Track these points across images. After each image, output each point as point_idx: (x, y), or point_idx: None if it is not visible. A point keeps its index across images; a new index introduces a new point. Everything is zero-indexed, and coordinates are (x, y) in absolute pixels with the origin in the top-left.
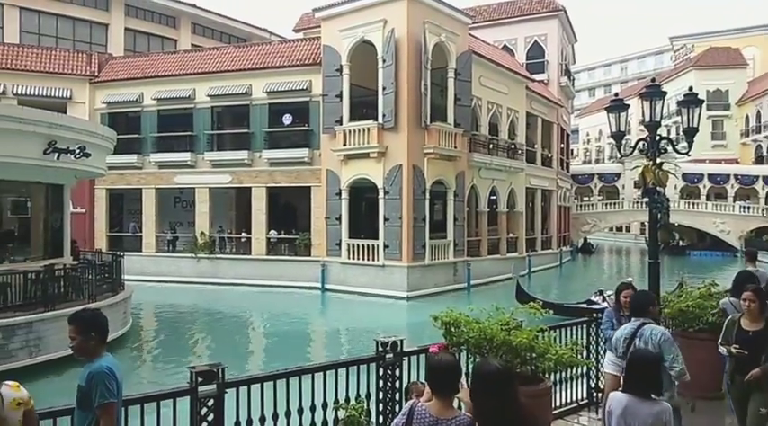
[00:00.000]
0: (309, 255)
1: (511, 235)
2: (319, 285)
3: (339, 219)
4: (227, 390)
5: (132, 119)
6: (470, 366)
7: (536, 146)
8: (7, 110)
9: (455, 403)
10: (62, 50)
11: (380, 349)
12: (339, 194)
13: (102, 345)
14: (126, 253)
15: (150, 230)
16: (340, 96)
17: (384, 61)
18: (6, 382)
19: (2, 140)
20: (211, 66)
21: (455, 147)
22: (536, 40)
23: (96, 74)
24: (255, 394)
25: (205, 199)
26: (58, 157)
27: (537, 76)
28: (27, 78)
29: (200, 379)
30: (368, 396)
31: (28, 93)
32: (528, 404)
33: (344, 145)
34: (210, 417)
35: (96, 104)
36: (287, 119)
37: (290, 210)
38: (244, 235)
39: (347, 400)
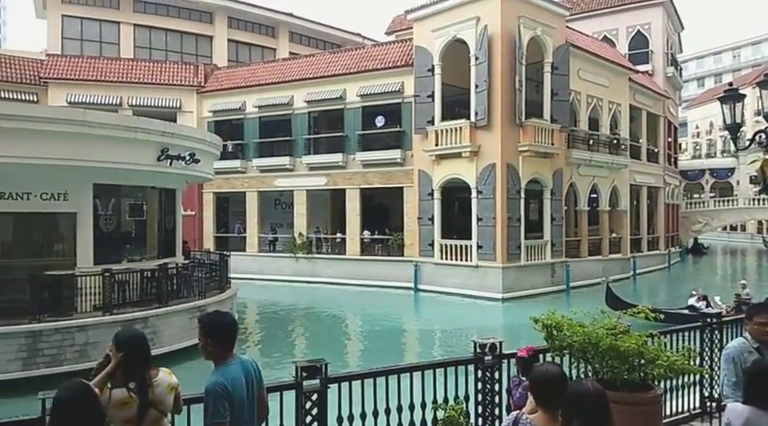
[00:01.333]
0: (402, 255)
1: (614, 234)
2: (412, 285)
3: (432, 220)
4: (329, 385)
5: (236, 126)
6: (573, 372)
7: (641, 140)
8: (125, 120)
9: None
10: (171, 63)
11: (479, 350)
12: (431, 194)
13: (223, 351)
14: (231, 253)
15: (253, 231)
16: (432, 96)
17: (477, 59)
18: (163, 369)
19: (121, 148)
20: (308, 73)
21: (552, 144)
22: (639, 30)
23: (203, 84)
24: (356, 391)
25: (303, 201)
26: (170, 163)
27: (640, 67)
28: (140, 90)
29: (304, 374)
30: (466, 398)
31: (141, 103)
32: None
33: (436, 145)
34: (315, 411)
35: (203, 113)
36: (380, 121)
37: (382, 211)
38: (339, 235)
39: (445, 400)
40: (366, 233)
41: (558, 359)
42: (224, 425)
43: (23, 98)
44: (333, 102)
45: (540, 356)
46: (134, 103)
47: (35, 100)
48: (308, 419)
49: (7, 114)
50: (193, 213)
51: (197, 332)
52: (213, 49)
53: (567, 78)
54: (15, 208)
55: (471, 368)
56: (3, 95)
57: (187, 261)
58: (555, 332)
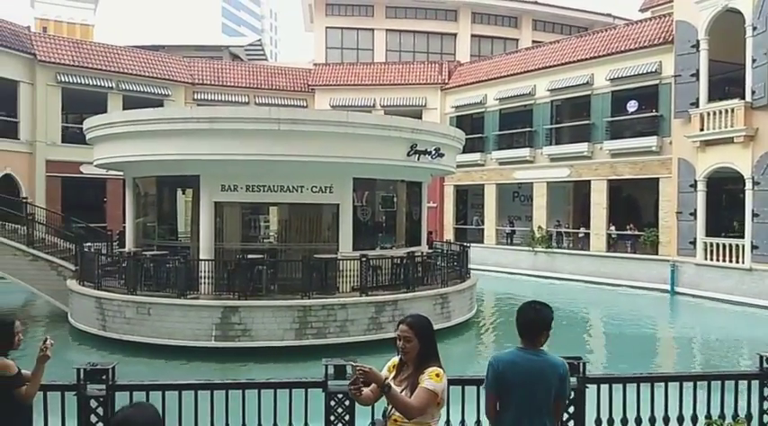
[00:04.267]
0: (656, 254)
1: None
2: (668, 287)
3: (693, 214)
4: (587, 385)
5: (476, 119)
6: None
7: None
8: (381, 119)
9: None
10: (418, 63)
11: (765, 365)
12: (694, 186)
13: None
14: (470, 244)
15: (491, 223)
16: (696, 75)
17: (754, 29)
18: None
19: (376, 145)
20: (552, 60)
21: None
22: None
23: (446, 81)
24: (617, 395)
25: (542, 194)
26: (418, 158)
27: None
28: (390, 91)
29: None
30: (748, 417)
31: (390, 104)
32: None
33: (702, 129)
34: (571, 409)
35: (446, 109)
36: (632, 106)
37: (631, 204)
38: (582, 230)
39: (722, 417)
40: (612, 228)
41: None
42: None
43: (294, 104)
44: (578, 89)
45: None
46: (385, 104)
47: (304, 105)
48: (565, 416)
49: (292, 118)
50: (435, 205)
51: (441, 318)
52: (457, 46)
53: None
54: (291, 199)
55: (755, 384)
56: (278, 102)
57: (431, 251)
58: None
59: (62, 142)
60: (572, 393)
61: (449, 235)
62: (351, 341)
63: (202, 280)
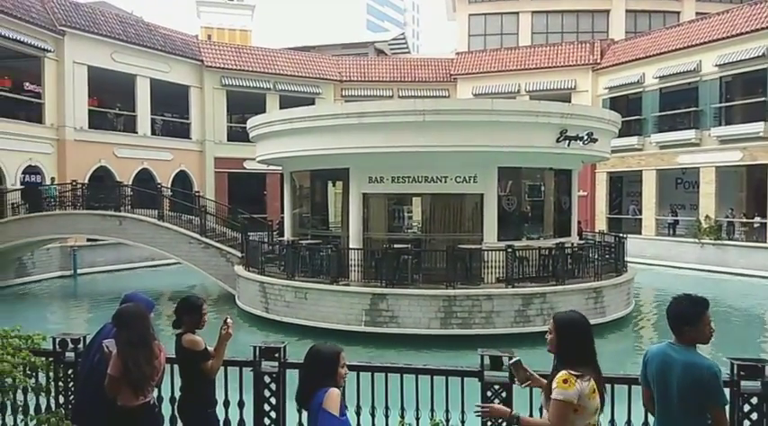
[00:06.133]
0: None
1: None
2: None
3: None
4: None
5: (632, 100)
6: None
7: None
8: (528, 105)
9: None
10: (566, 44)
11: None
12: None
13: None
14: (626, 235)
15: (650, 212)
16: None
17: None
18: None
19: (522, 132)
20: (720, 33)
21: None
22: None
23: (598, 61)
24: None
25: (710, 180)
26: (568, 144)
27: None
28: (536, 75)
29: (741, 373)
30: None
31: (537, 88)
32: None
33: None
34: (754, 415)
35: (598, 91)
36: None
37: None
38: (757, 219)
39: None
40: None
41: None
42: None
43: (436, 95)
44: (752, 63)
45: None
46: (530, 89)
47: (446, 95)
48: (747, 423)
49: (436, 109)
50: (586, 193)
51: (594, 313)
52: (609, 24)
53: None
54: (435, 189)
55: None
56: (421, 93)
57: (582, 242)
58: None
59: (227, 140)
60: (754, 397)
61: (601, 225)
62: (496, 332)
63: (352, 268)
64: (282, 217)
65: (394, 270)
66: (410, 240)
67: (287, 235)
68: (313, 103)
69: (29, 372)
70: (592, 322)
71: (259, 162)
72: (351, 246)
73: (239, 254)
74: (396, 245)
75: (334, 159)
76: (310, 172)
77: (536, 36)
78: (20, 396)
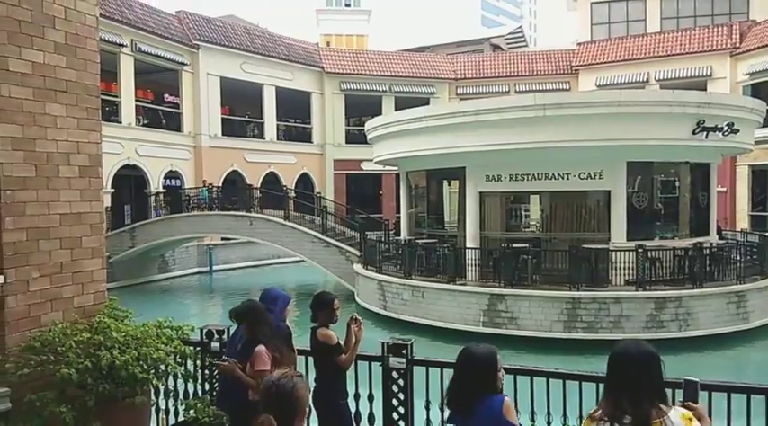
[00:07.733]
0: None
1: None
2: None
3: None
4: None
5: None
6: None
7: None
8: (660, 95)
9: None
10: (700, 28)
11: None
12: None
13: None
14: None
15: None
16: None
17: None
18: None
19: (654, 124)
20: None
21: None
22: None
23: (737, 45)
24: None
25: None
26: (706, 136)
27: None
28: (666, 63)
29: None
30: None
31: (667, 77)
32: None
33: None
34: None
35: (738, 77)
36: None
37: None
38: None
39: None
40: None
41: None
42: None
43: (556, 88)
44: None
45: None
46: (660, 77)
47: (567, 88)
48: None
49: (557, 103)
50: (725, 189)
51: (737, 319)
52: (751, 3)
53: None
54: (556, 187)
55: None
56: (538, 87)
57: (722, 242)
58: None
59: (345, 143)
60: None
61: (743, 223)
62: (626, 338)
63: (469, 267)
64: (398, 217)
65: (513, 271)
66: (529, 239)
67: (403, 235)
68: (428, 103)
69: (179, 360)
70: (732, 328)
71: (376, 163)
72: (467, 246)
73: (358, 253)
74: (514, 245)
75: (450, 158)
76: (426, 171)
77: (665, 22)
78: (170, 382)
